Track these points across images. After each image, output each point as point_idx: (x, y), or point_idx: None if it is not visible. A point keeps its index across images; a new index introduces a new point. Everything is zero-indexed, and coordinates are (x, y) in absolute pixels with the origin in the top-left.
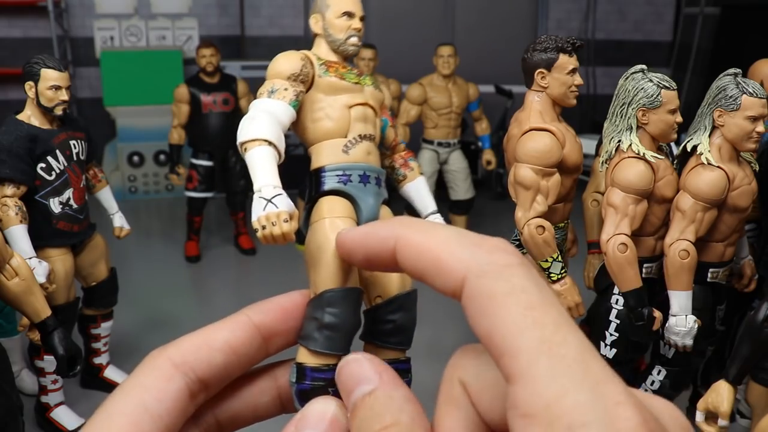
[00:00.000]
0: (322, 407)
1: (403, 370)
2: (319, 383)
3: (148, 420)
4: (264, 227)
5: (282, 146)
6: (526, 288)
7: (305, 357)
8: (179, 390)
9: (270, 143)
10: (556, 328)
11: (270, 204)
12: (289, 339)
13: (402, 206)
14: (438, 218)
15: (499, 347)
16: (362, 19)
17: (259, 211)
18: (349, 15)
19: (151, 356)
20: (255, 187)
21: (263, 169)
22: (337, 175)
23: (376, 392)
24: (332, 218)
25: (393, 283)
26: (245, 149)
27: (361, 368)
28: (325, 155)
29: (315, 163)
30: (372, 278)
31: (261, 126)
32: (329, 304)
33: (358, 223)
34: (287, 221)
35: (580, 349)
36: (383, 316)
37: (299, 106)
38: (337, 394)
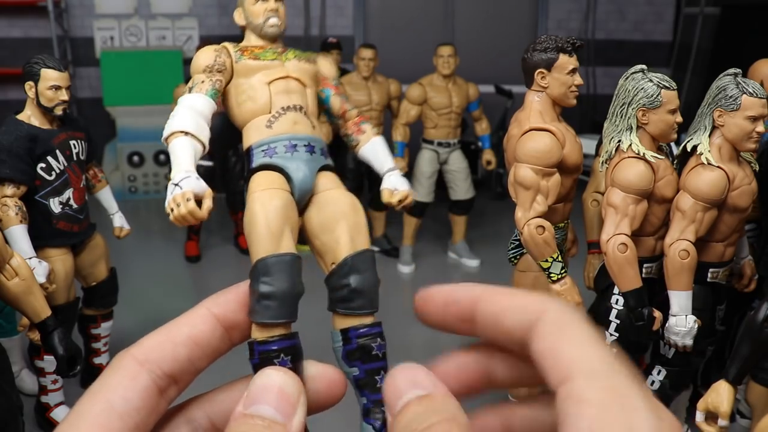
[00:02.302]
0: (265, 380)
1: (372, 334)
2: (266, 356)
3: (116, 419)
4: (172, 210)
5: (203, 135)
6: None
7: (255, 332)
8: (146, 387)
9: (186, 133)
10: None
11: (176, 187)
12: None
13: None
14: (396, 174)
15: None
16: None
17: (168, 196)
18: None
19: (117, 357)
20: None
21: (176, 159)
22: (263, 150)
23: (432, 395)
24: (259, 192)
25: (342, 246)
26: (167, 144)
27: (417, 375)
28: (252, 134)
29: (245, 144)
30: (323, 246)
31: (178, 120)
32: (262, 273)
33: (291, 192)
34: (190, 199)
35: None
36: (337, 282)
37: (222, 95)
38: (285, 364)
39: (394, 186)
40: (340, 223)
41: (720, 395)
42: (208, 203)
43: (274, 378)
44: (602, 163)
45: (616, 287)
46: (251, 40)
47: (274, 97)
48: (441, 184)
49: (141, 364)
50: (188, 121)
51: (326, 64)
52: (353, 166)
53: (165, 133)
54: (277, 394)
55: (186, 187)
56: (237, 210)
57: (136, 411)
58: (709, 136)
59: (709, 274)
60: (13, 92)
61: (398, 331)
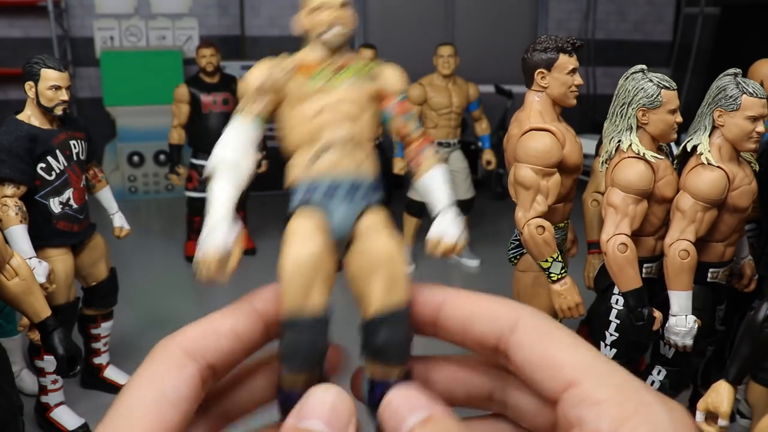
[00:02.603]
0: (322, 395)
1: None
2: (286, 406)
3: (169, 407)
4: (198, 271)
5: (248, 163)
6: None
7: (281, 377)
8: (193, 376)
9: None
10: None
11: (199, 248)
12: None
13: (402, 207)
14: (448, 217)
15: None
16: (344, 5)
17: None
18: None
19: (162, 345)
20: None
21: (211, 208)
22: (303, 192)
23: (433, 416)
24: (293, 236)
25: (373, 301)
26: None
27: (413, 398)
28: (293, 171)
29: (288, 179)
30: (358, 294)
31: (221, 156)
32: (284, 329)
33: (331, 230)
34: (210, 267)
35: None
36: (366, 338)
37: (271, 116)
38: None
39: (442, 233)
40: (374, 275)
41: (720, 395)
42: (232, 264)
43: (328, 395)
44: (602, 163)
45: (616, 287)
46: (309, 52)
47: (321, 127)
48: None
49: (188, 353)
50: (229, 152)
51: (392, 77)
52: None
53: (207, 171)
54: (330, 410)
55: (207, 250)
56: (237, 210)
57: (186, 399)
58: (709, 136)
59: (709, 274)
60: (13, 92)
61: None
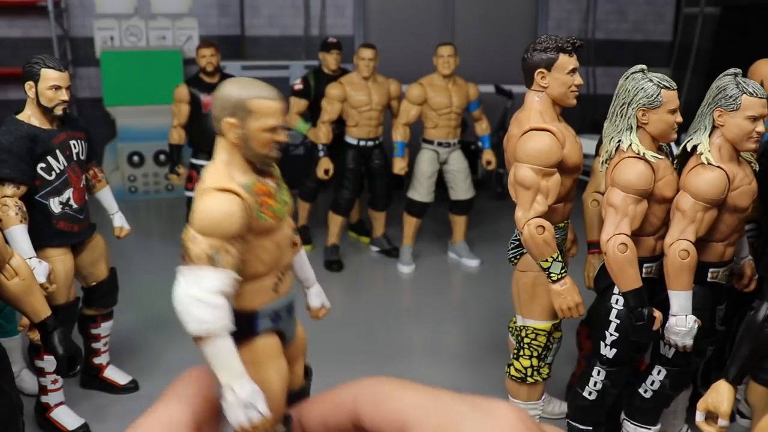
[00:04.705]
0: None
1: None
2: None
3: None
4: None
5: (231, 316)
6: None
7: None
8: None
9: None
10: None
11: (250, 408)
12: None
13: (402, 207)
14: (318, 287)
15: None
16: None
17: (237, 412)
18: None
19: None
20: (227, 383)
21: (229, 364)
22: (270, 317)
23: None
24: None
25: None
26: (201, 341)
27: None
28: (258, 297)
29: (245, 304)
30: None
31: (217, 314)
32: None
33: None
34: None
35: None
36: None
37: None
38: None
39: (323, 302)
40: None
41: (720, 395)
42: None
43: None
44: (602, 163)
45: (616, 287)
46: (255, 174)
47: (280, 257)
48: (441, 184)
49: None
50: (225, 315)
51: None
52: (353, 166)
53: (197, 331)
54: None
55: (264, 410)
56: None
57: None
58: (709, 136)
59: (709, 274)
60: (13, 92)
61: (399, 331)
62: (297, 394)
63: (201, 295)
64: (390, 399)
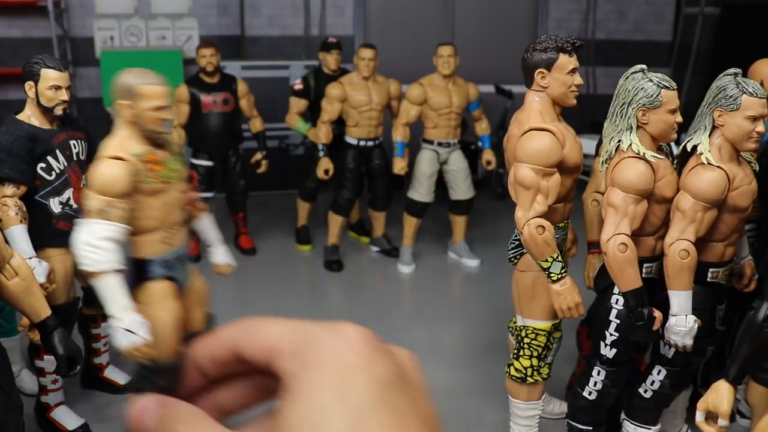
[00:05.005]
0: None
1: None
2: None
3: None
4: (134, 356)
5: (122, 259)
6: None
7: None
8: None
9: (117, 271)
10: None
11: (130, 333)
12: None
13: (402, 207)
14: (223, 248)
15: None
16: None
17: (120, 338)
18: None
19: None
20: (114, 313)
21: (116, 296)
22: (161, 265)
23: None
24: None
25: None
26: (93, 276)
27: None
28: (150, 247)
29: (140, 253)
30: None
31: (105, 256)
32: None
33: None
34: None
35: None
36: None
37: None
38: None
39: (226, 259)
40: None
41: (720, 395)
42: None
43: None
44: (602, 163)
45: (616, 287)
46: (150, 147)
47: (168, 213)
48: (441, 184)
49: None
50: (114, 256)
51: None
52: (353, 166)
53: (91, 267)
54: None
55: (142, 334)
56: (237, 210)
57: None
58: (709, 136)
59: (709, 274)
60: (13, 92)
61: (399, 330)
62: (197, 336)
63: (92, 241)
64: (260, 330)
